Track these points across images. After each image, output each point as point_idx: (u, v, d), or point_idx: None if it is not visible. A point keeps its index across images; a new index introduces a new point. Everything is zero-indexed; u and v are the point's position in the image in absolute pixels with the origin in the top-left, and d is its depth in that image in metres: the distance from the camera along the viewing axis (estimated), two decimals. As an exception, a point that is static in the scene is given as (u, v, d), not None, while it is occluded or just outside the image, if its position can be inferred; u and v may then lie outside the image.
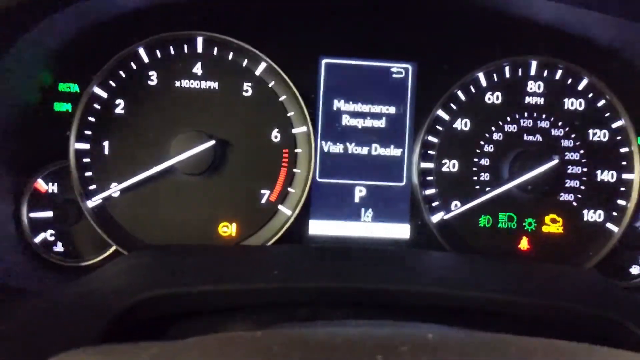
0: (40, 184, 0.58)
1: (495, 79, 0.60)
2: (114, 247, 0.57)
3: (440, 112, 0.60)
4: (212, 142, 0.56)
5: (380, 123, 0.61)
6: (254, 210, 0.58)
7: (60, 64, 0.57)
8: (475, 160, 0.60)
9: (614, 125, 0.61)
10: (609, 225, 0.61)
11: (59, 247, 0.59)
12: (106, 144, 0.58)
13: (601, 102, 0.61)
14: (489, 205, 0.60)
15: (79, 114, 0.57)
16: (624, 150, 0.61)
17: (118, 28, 0.56)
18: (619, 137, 0.61)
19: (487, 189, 0.60)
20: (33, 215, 0.57)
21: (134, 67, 0.58)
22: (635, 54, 0.58)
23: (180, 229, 0.56)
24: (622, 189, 0.62)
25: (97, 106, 0.58)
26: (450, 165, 0.60)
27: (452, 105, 0.60)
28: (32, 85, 0.57)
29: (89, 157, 0.58)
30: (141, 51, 0.57)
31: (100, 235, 0.56)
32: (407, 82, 0.61)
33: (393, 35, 0.60)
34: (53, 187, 0.58)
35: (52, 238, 0.58)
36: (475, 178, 0.60)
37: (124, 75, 0.58)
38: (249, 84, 0.59)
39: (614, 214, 0.62)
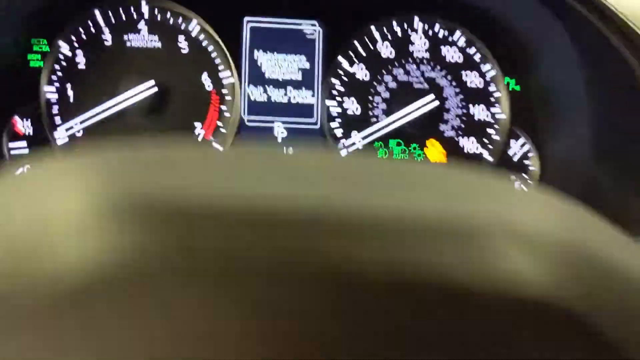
0: (17, 121, 0.70)
1: (386, 32, 0.72)
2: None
3: (343, 62, 0.72)
4: (155, 89, 0.68)
5: (296, 72, 0.73)
6: (191, 141, 0.72)
7: (32, 26, 0.69)
8: (370, 99, 0.72)
9: (484, 70, 0.73)
10: (485, 154, 0.73)
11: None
12: (70, 93, 0.70)
13: (473, 51, 0.73)
14: (383, 137, 0.72)
15: (48, 67, 0.69)
16: (493, 90, 0.73)
17: None
18: (489, 80, 0.73)
19: (381, 124, 0.72)
20: (12, 145, 0.70)
21: (92, 28, 0.69)
22: (498, 11, 0.70)
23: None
24: (495, 124, 0.73)
25: (63, 62, 0.69)
26: (352, 106, 0.72)
27: (352, 56, 0.72)
28: (9, 45, 0.68)
29: (57, 103, 0.70)
30: (97, 14, 0.69)
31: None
32: (316, 38, 0.73)
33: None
34: (27, 124, 0.70)
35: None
36: (371, 113, 0.72)
37: (84, 35, 0.69)
38: (185, 42, 0.70)
39: (489, 145, 0.73)
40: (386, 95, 0.72)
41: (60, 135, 0.70)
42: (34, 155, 0.70)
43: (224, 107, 0.72)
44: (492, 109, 0.73)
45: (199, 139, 0.71)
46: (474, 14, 0.72)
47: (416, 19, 0.72)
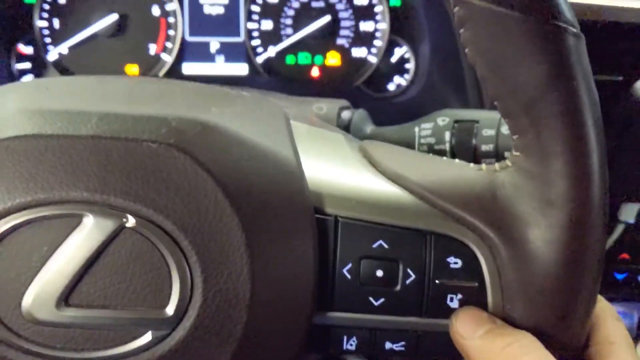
0: (20, 47, 0.91)
1: None
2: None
3: None
4: (116, 17, 0.87)
5: (225, 1, 0.91)
6: (147, 57, 0.91)
7: None
8: (281, 20, 0.91)
9: None
10: (369, 57, 0.93)
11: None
12: (57, 23, 0.89)
13: None
14: (292, 48, 0.91)
15: (39, 3, 0.87)
16: (377, 8, 0.91)
17: None
18: (374, 1, 0.91)
19: (290, 40, 0.90)
20: (18, 65, 0.94)
21: None
22: None
23: (105, 71, 0.93)
24: (378, 33, 0.92)
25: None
26: (266, 25, 0.91)
27: None
28: None
29: (47, 30, 0.89)
30: None
31: (62, 79, 0.93)
32: None
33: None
34: (28, 49, 0.92)
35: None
36: (282, 32, 0.91)
37: None
38: None
39: (373, 50, 0.92)
40: (292, 14, 0.91)
41: (52, 56, 0.91)
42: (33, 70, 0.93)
43: (170, 31, 0.91)
44: (376, 23, 0.93)
45: (152, 53, 0.91)
46: None
47: None
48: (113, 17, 0.89)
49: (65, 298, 0.32)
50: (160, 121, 0.32)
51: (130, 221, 0.31)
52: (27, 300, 0.31)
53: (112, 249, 0.32)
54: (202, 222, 0.32)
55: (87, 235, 0.31)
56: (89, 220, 0.31)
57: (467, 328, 0.33)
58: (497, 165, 0.36)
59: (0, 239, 0.31)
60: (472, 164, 0.37)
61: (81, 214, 0.31)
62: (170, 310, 0.32)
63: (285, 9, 0.92)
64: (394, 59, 0.93)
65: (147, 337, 0.32)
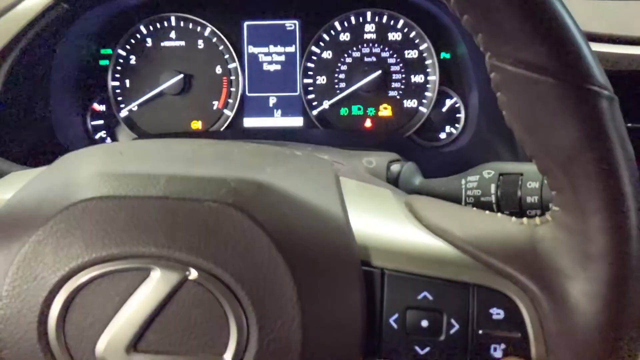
0: (95, 105, 1.01)
1: (345, 25, 0.93)
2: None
3: (314, 48, 0.94)
4: (181, 76, 0.94)
5: (282, 58, 0.95)
6: (210, 113, 0.97)
7: (99, 38, 0.93)
8: (336, 75, 0.95)
9: (421, 47, 0.94)
10: (420, 108, 0.95)
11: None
12: (127, 81, 0.96)
13: (412, 34, 0.93)
14: (345, 101, 0.95)
15: (112, 65, 0.95)
16: (428, 61, 0.94)
17: (128, 13, 0.93)
18: (424, 54, 0.94)
19: (344, 93, 0.94)
20: (93, 122, 1.01)
21: (138, 36, 0.94)
22: (429, 4, 0.89)
23: (172, 127, 0.99)
24: (428, 85, 0.95)
25: (121, 60, 0.95)
26: (321, 80, 0.96)
27: (321, 43, 0.95)
28: (85, 50, 0.93)
29: (119, 89, 0.97)
30: (142, 27, 0.95)
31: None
32: (295, 32, 0.95)
33: (285, 3, 0.94)
34: (101, 107, 1.02)
35: (105, 134, 1.02)
36: (336, 86, 0.95)
37: (133, 41, 0.94)
38: (201, 41, 0.94)
39: (424, 101, 0.95)
40: (345, 69, 0.95)
41: (123, 113, 0.98)
42: (106, 127, 1.00)
43: (232, 88, 0.97)
44: (427, 76, 0.95)
45: (214, 108, 0.97)
46: (412, 6, 0.93)
47: (369, 12, 0.94)
48: (179, 77, 0.95)
49: (134, 344, 0.35)
50: (220, 182, 0.36)
51: (193, 274, 0.34)
52: (101, 346, 0.34)
53: (176, 299, 0.35)
54: (257, 275, 0.34)
55: (154, 287, 0.34)
56: (156, 274, 0.34)
57: None
58: (537, 220, 0.37)
59: (79, 289, 0.34)
60: (513, 218, 0.39)
61: (149, 267, 0.34)
62: (228, 356, 0.34)
63: (339, 64, 0.96)
64: (444, 110, 0.94)
65: None
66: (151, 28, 0.93)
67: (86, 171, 0.37)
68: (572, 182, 0.32)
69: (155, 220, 0.35)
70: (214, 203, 0.35)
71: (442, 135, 0.96)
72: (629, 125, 0.70)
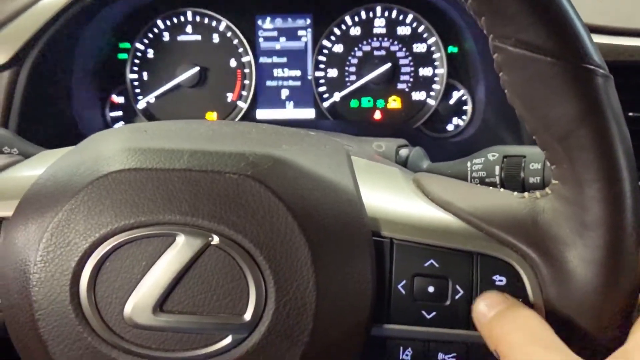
0: (114, 97, 1.04)
1: (356, 19, 0.96)
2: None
3: (325, 42, 0.97)
4: (197, 68, 0.97)
5: (294, 52, 0.97)
6: (224, 105, 0.99)
7: (118, 32, 0.95)
8: (346, 68, 0.98)
9: (429, 41, 0.96)
10: (428, 100, 0.98)
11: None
12: (145, 74, 0.99)
13: (421, 28, 0.95)
14: (355, 93, 0.97)
15: (130, 59, 0.98)
16: (436, 55, 0.96)
17: (146, 8, 0.95)
18: (432, 48, 0.96)
19: (354, 86, 0.96)
20: (112, 114, 1.05)
21: (156, 30, 0.97)
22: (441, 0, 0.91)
23: (187, 118, 1.02)
24: (436, 78, 0.97)
25: (139, 54, 0.98)
26: (332, 72, 0.98)
27: (332, 37, 0.97)
28: (104, 44, 0.95)
29: (137, 82, 0.99)
30: (159, 22, 0.98)
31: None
32: (307, 26, 0.97)
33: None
34: (120, 99, 1.05)
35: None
36: (346, 78, 0.97)
37: (151, 35, 0.97)
38: (216, 35, 0.97)
39: (432, 93, 0.97)
40: (355, 62, 0.97)
41: (141, 104, 0.99)
42: (124, 118, 1.03)
43: (245, 81, 1.00)
44: (435, 69, 0.98)
45: (229, 100, 0.99)
46: (420, 1, 0.94)
47: (378, 7, 0.97)
48: (195, 70, 0.96)
49: (160, 305, 0.38)
50: (239, 157, 0.38)
51: (215, 240, 0.36)
52: (129, 308, 0.36)
53: (199, 263, 0.37)
54: (274, 241, 0.37)
55: (179, 251, 0.36)
56: (180, 239, 0.36)
57: (481, 311, 0.36)
58: (538, 193, 0.40)
59: (108, 254, 0.36)
60: (515, 193, 0.41)
61: (174, 233, 0.36)
62: (247, 316, 0.36)
63: (350, 58, 0.98)
64: (452, 102, 0.95)
65: (228, 340, 0.36)
66: (168, 23, 0.95)
67: (114, 147, 0.39)
68: (569, 155, 0.33)
69: (179, 190, 0.37)
70: (233, 175, 0.37)
71: (450, 127, 0.98)
72: (630, 114, 0.73)
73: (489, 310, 0.36)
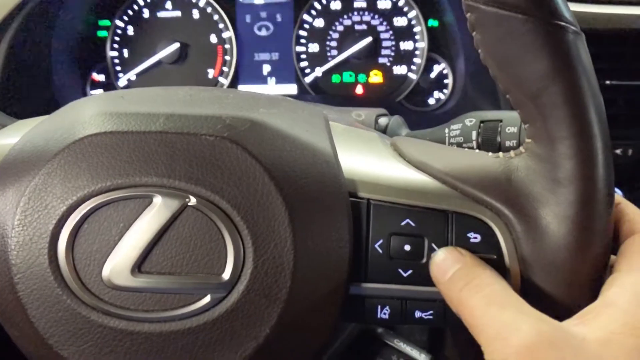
0: (94, 75, 1.02)
1: None
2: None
3: (306, 17, 0.97)
4: (178, 45, 0.96)
5: (275, 28, 0.97)
6: (206, 81, 0.98)
7: (97, 9, 0.95)
8: (327, 43, 0.97)
9: (409, 15, 0.96)
10: (410, 74, 0.98)
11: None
12: (125, 51, 0.99)
13: (401, 2, 0.95)
14: (337, 68, 0.97)
15: (110, 36, 0.98)
16: (416, 29, 0.96)
17: None
18: (413, 22, 0.96)
19: (335, 60, 0.96)
20: (92, 92, 1.04)
21: (135, 7, 0.96)
22: None
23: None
24: (417, 52, 0.97)
25: (119, 31, 0.98)
26: (313, 47, 0.98)
27: (312, 11, 0.96)
28: (84, 22, 0.95)
29: (118, 59, 0.99)
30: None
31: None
32: (287, 1, 0.96)
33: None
34: (101, 77, 1.04)
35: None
36: (327, 53, 0.97)
37: (131, 12, 0.97)
38: (196, 11, 0.96)
39: (413, 67, 0.97)
40: (336, 37, 0.97)
41: (122, 82, 0.98)
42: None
43: (226, 57, 0.99)
44: (415, 43, 0.98)
45: (210, 77, 0.99)
46: None
47: None
48: (175, 46, 0.97)
49: (139, 266, 0.38)
50: (216, 119, 0.38)
51: (192, 201, 0.36)
52: (107, 269, 0.36)
53: (177, 224, 0.37)
54: (252, 202, 0.37)
55: (156, 213, 0.36)
56: (157, 201, 0.36)
57: (438, 272, 0.37)
58: (512, 153, 0.40)
59: (85, 217, 0.36)
60: (490, 153, 0.42)
61: (151, 195, 0.36)
62: (226, 275, 0.37)
63: (331, 32, 0.98)
64: (433, 75, 0.96)
65: (207, 299, 0.36)
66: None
67: (91, 111, 0.39)
68: (541, 112, 0.34)
69: (155, 152, 0.37)
70: (210, 137, 0.37)
71: (431, 101, 0.99)
72: (607, 82, 0.73)
73: (446, 271, 0.36)
